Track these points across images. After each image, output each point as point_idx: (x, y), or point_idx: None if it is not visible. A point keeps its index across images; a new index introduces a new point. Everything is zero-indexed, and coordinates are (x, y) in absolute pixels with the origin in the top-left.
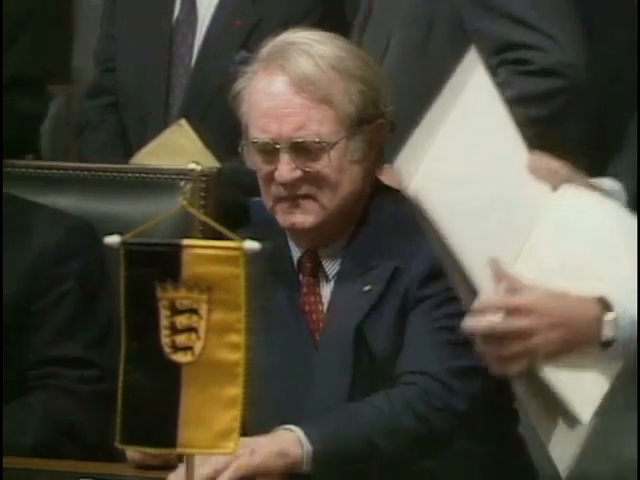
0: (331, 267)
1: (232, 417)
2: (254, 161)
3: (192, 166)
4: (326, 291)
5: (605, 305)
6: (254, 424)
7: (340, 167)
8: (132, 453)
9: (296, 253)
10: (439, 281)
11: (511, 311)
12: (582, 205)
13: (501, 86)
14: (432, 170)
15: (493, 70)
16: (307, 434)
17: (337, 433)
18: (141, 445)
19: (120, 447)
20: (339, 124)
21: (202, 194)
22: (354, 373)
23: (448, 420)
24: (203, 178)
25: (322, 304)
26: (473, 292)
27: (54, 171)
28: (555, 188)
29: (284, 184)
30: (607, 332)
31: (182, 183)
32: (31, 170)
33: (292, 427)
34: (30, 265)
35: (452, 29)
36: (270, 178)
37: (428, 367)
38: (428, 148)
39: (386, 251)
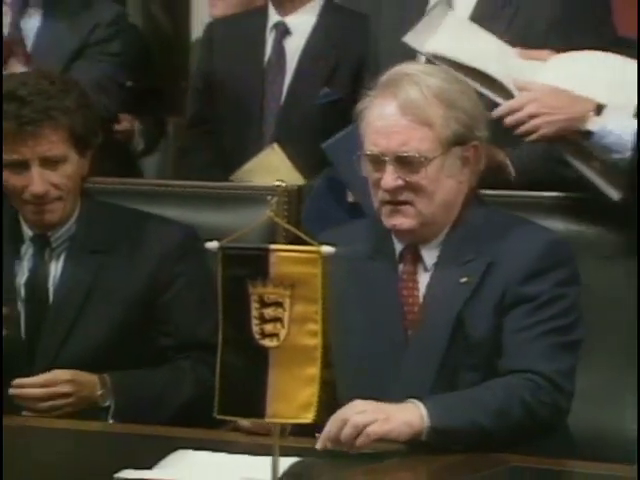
0: (429, 259)
1: (311, 393)
2: (366, 169)
3: (277, 183)
4: (423, 279)
5: (598, 108)
6: (351, 391)
7: (436, 179)
8: (243, 422)
9: (399, 245)
10: (540, 280)
11: (524, 103)
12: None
13: None
14: (447, 34)
15: None
16: (429, 410)
17: (455, 412)
18: (235, 415)
19: (217, 417)
20: (437, 143)
21: (285, 207)
22: (446, 354)
23: (553, 415)
24: (286, 193)
25: (418, 290)
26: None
27: (163, 188)
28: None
29: (388, 190)
30: (590, 126)
31: (269, 197)
32: (145, 187)
33: (417, 402)
34: (152, 265)
35: None
36: (378, 185)
37: (541, 367)
38: (438, 25)
39: (480, 248)
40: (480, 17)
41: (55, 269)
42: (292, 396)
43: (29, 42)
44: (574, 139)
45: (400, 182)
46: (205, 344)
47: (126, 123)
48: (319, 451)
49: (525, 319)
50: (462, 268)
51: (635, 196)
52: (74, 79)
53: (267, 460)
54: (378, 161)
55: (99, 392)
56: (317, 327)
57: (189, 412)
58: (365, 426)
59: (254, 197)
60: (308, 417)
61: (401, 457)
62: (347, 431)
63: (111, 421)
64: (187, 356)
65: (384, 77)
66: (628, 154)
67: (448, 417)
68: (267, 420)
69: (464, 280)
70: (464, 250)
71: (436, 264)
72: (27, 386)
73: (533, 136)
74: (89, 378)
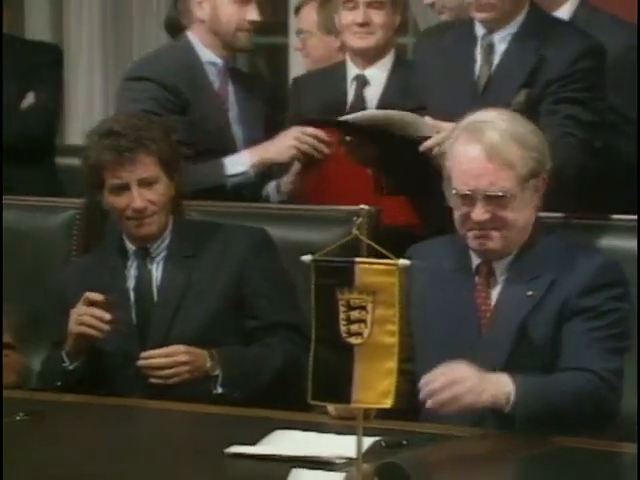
0: (500, 274)
1: (390, 383)
2: (454, 203)
3: (362, 207)
4: (494, 291)
5: None
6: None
7: (519, 211)
8: (330, 407)
9: (475, 260)
10: (596, 294)
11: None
12: None
13: None
14: None
15: None
16: (517, 387)
17: (538, 393)
18: (326, 401)
19: (311, 402)
20: (517, 181)
21: (367, 226)
22: (511, 353)
23: (604, 409)
24: (369, 215)
25: (490, 299)
26: None
27: (271, 210)
28: None
29: (478, 223)
30: None
31: (355, 219)
32: (257, 210)
33: (508, 378)
34: (236, 263)
35: None
36: (467, 216)
37: (596, 367)
38: None
39: (544, 267)
40: None
41: (156, 273)
42: (373, 385)
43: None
44: None
45: (488, 216)
46: (287, 324)
47: None
48: (396, 431)
49: (583, 326)
50: (529, 284)
51: None
52: (156, 117)
53: (352, 439)
54: (468, 198)
55: (209, 364)
56: (395, 328)
57: (280, 383)
58: (462, 396)
59: (342, 218)
60: (387, 403)
61: (457, 439)
62: (445, 396)
63: (220, 389)
64: (274, 334)
65: (464, 122)
66: None
67: (532, 396)
68: (352, 405)
69: (530, 293)
70: (531, 269)
71: (507, 279)
72: (154, 357)
73: None
74: (201, 351)
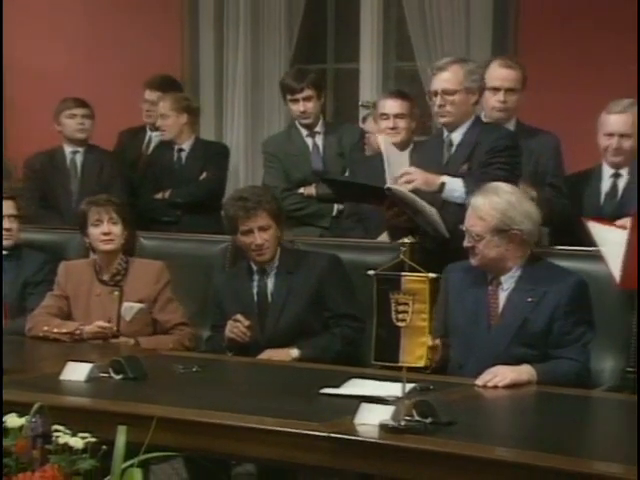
0: (506, 285)
1: (423, 350)
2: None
3: (406, 240)
4: (502, 296)
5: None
6: (458, 353)
7: (487, 246)
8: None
9: (489, 275)
10: (576, 302)
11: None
12: None
13: None
14: None
15: None
16: (537, 372)
17: (548, 374)
18: (383, 361)
19: (373, 362)
20: (486, 229)
21: (409, 252)
22: (513, 338)
23: (583, 379)
24: (411, 245)
25: (498, 301)
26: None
27: (345, 242)
28: None
29: (465, 247)
30: (443, 179)
31: (401, 247)
32: (335, 242)
33: (529, 367)
34: (316, 276)
35: None
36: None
37: (578, 357)
38: None
39: (538, 282)
40: None
41: (270, 284)
42: (412, 352)
43: None
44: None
45: (469, 244)
46: (349, 314)
47: None
48: (427, 381)
49: (570, 326)
50: (528, 292)
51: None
52: (268, 187)
53: (398, 385)
54: (467, 232)
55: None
56: (426, 316)
57: (342, 357)
58: (505, 377)
59: (393, 247)
60: (421, 363)
61: (467, 386)
62: (497, 379)
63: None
64: (338, 324)
65: (485, 186)
66: (464, 197)
67: (544, 377)
68: (400, 364)
69: (530, 300)
70: (529, 283)
71: (513, 289)
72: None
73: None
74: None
